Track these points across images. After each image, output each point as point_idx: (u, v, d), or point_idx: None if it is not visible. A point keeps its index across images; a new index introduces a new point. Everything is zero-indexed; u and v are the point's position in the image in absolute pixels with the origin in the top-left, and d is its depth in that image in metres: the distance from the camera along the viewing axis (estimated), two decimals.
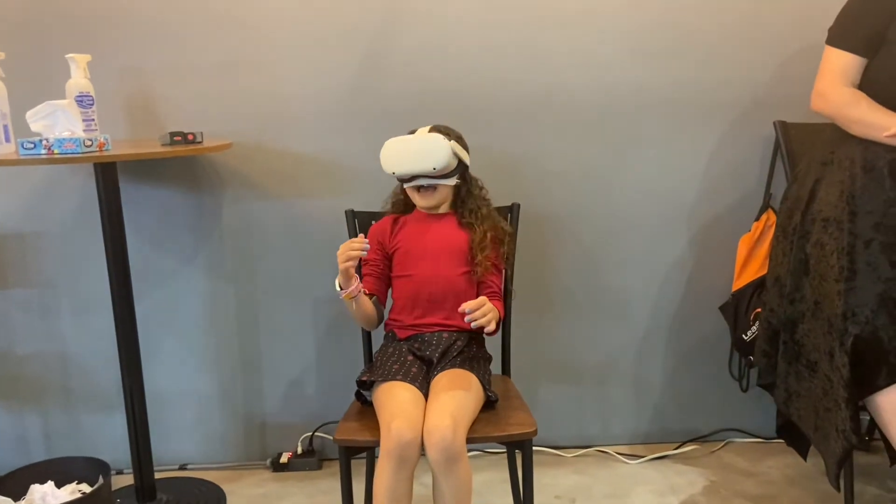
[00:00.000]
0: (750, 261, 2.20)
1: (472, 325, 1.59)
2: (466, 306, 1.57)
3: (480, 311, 1.59)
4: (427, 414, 1.57)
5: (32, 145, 1.69)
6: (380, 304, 1.84)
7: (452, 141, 1.77)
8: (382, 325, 1.90)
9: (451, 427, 1.50)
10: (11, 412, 2.32)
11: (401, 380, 1.66)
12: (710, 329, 2.36)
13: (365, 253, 1.62)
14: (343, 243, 1.64)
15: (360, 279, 1.77)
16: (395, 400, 1.60)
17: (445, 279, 1.78)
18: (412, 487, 1.56)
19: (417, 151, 1.75)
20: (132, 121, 2.18)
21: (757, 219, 2.21)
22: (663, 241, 2.31)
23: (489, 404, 1.71)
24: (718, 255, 2.31)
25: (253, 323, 2.31)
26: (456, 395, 1.60)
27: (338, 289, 1.68)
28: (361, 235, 1.66)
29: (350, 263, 1.62)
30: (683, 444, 2.40)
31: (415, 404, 1.59)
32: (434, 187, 1.80)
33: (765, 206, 2.22)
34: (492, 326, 1.62)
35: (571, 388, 2.40)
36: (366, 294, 1.77)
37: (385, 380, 1.67)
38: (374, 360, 1.82)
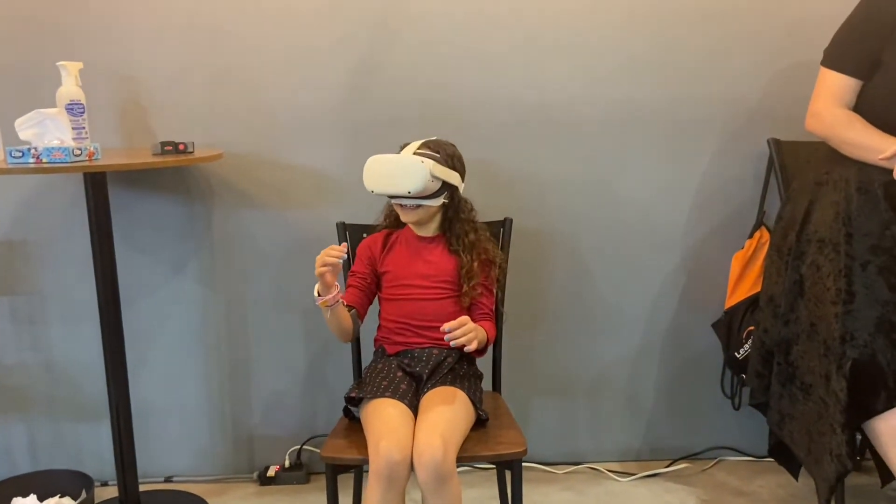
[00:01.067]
0: (743, 278, 2.19)
1: (451, 343, 1.58)
2: (447, 326, 1.56)
3: (461, 331, 1.57)
4: (417, 433, 1.54)
5: (21, 154, 1.67)
6: (358, 318, 1.80)
7: (433, 164, 1.71)
8: (372, 340, 1.88)
9: (442, 448, 1.48)
10: None
11: (389, 396, 1.64)
12: (702, 346, 2.34)
13: (340, 262, 1.59)
14: (323, 250, 1.61)
15: (344, 289, 1.75)
16: (384, 418, 1.58)
17: (435, 305, 1.77)
18: None
19: (394, 173, 1.70)
20: (124, 129, 2.16)
21: (750, 236, 2.20)
22: (656, 257, 2.30)
23: (480, 422, 1.69)
24: (711, 272, 2.30)
25: (242, 335, 2.28)
26: (446, 413, 1.58)
27: (315, 295, 1.66)
28: (344, 244, 1.63)
29: (325, 269, 1.58)
30: (675, 461, 2.39)
31: (403, 422, 1.57)
32: (417, 206, 1.77)
33: (758, 224, 2.21)
34: (472, 346, 1.61)
35: (563, 405, 2.38)
36: (344, 305, 1.74)
37: (374, 396, 1.65)
38: (363, 375, 1.80)
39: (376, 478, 1.50)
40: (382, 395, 1.64)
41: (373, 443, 1.53)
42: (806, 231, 1.78)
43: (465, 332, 1.58)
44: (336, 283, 1.65)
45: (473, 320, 1.68)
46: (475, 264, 1.78)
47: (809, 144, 2.09)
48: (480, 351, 1.76)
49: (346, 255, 1.60)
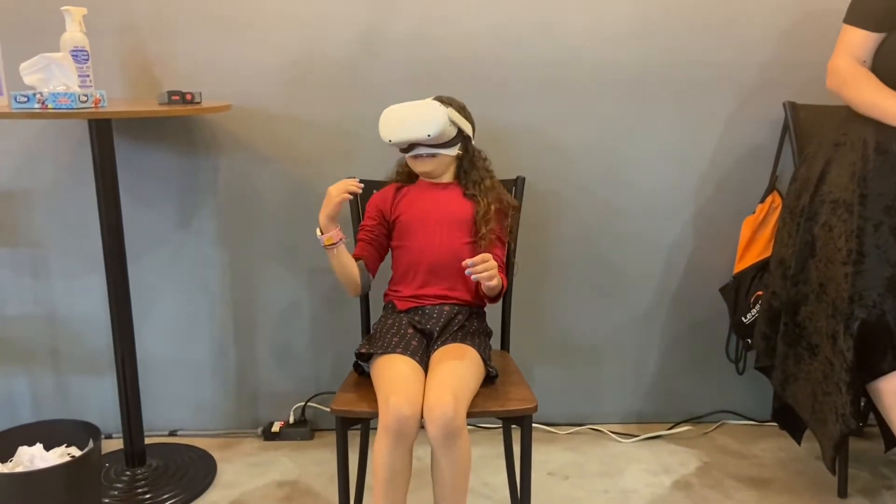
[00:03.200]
0: (753, 243, 2.18)
1: (473, 277, 1.57)
2: (469, 260, 1.56)
3: (482, 266, 1.57)
4: (427, 389, 1.54)
5: (26, 99, 1.64)
6: (367, 271, 1.79)
7: (450, 108, 1.73)
8: (382, 295, 1.87)
9: (452, 404, 1.48)
10: None
11: (400, 353, 1.63)
12: (708, 310, 2.34)
13: (352, 196, 1.65)
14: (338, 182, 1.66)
15: (355, 245, 1.75)
16: (394, 373, 1.57)
17: (448, 248, 1.75)
18: (411, 462, 1.55)
19: (413, 118, 1.71)
20: (128, 80, 2.12)
21: (762, 201, 2.19)
22: (665, 221, 2.29)
23: (489, 379, 1.69)
24: (720, 237, 2.29)
25: (248, 290, 2.27)
26: (457, 370, 1.57)
27: (318, 234, 1.67)
28: (356, 179, 1.66)
29: (345, 197, 1.63)
30: (677, 424, 2.40)
31: (414, 378, 1.57)
32: (433, 155, 1.76)
33: (770, 189, 2.19)
34: (493, 282, 1.61)
35: (566, 365, 2.38)
36: (349, 255, 1.74)
37: (384, 352, 1.64)
38: (372, 331, 1.79)
39: (385, 432, 1.49)
40: (394, 351, 1.64)
41: (383, 398, 1.52)
42: (820, 192, 1.77)
43: (486, 267, 1.57)
44: (338, 225, 1.67)
45: None
46: (492, 208, 1.76)
47: (826, 108, 2.07)
48: (493, 298, 1.75)
49: (361, 190, 1.66)
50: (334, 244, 1.68)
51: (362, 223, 1.85)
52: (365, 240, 1.82)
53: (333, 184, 1.67)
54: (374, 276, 1.83)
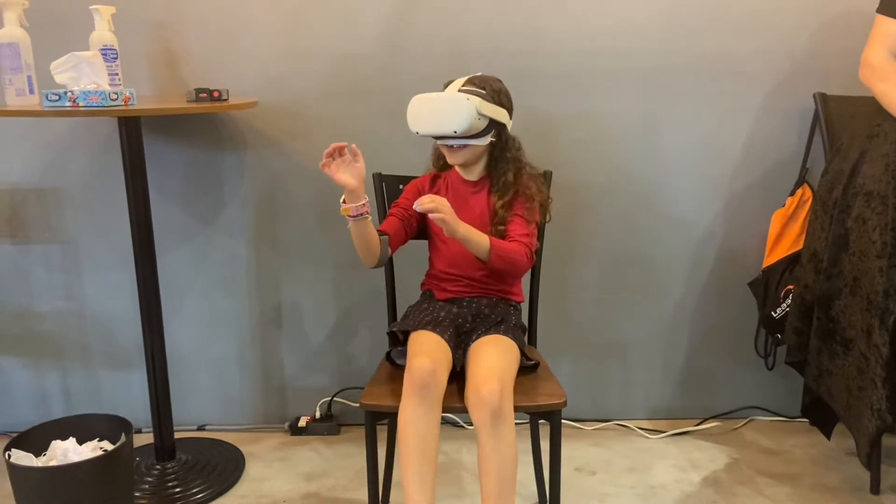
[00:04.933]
0: (783, 237, 2.15)
1: (416, 208, 1.49)
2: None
3: (428, 199, 1.49)
4: (471, 374, 1.54)
5: (57, 97, 1.65)
6: (388, 246, 1.71)
7: (479, 101, 1.64)
8: (408, 286, 1.87)
9: (499, 387, 1.47)
10: (31, 369, 2.31)
11: (430, 329, 1.64)
12: (736, 305, 2.32)
13: (338, 154, 1.54)
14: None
15: (385, 218, 1.75)
16: (420, 343, 1.58)
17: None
18: (438, 428, 1.51)
19: (439, 113, 1.64)
20: (155, 77, 2.14)
21: (792, 194, 2.16)
22: (693, 215, 2.26)
23: (526, 370, 1.68)
24: (749, 230, 2.26)
25: (274, 285, 2.28)
26: (501, 359, 1.57)
27: (340, 203, 1.58)
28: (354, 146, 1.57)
29: (328, 161, 1.53)
30: (705, 420, 2.38)
31: (439, 347, 1.57)
32: (462, 146, 1.72)
33: (800, 181, 2.16)
34: (453, 225, 1.52)
35: (593, 360, 2.37)
36: (375, 229, 1.66)
37: (415, 329, 1.65)
38: (406, 312, 1.79)
39: (411, 392, 1.48)
40: (423, 328, 1.64)
41: (408, 365, 1.52)
42: (853, 184, 1.74)
43: (432, 199, 1.49)
44: (364, 196, 1.57)
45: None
46: (511, 202, 1.72)
47: (857, 99, 2.03)
48: (509, 270, 1.66)
49: (344, 147, 1.55)
50: (352, 216, 1.57)
51: (397, 201, 1.81)
52: (396, 215, 1.77)
53: None
54: (393, 252, 1.76)
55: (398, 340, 1.73)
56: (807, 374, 1.89)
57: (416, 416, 1.48)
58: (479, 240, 1.59)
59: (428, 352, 1.54)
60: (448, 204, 1.53)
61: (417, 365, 1.49)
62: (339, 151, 1.56)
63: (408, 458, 1.49)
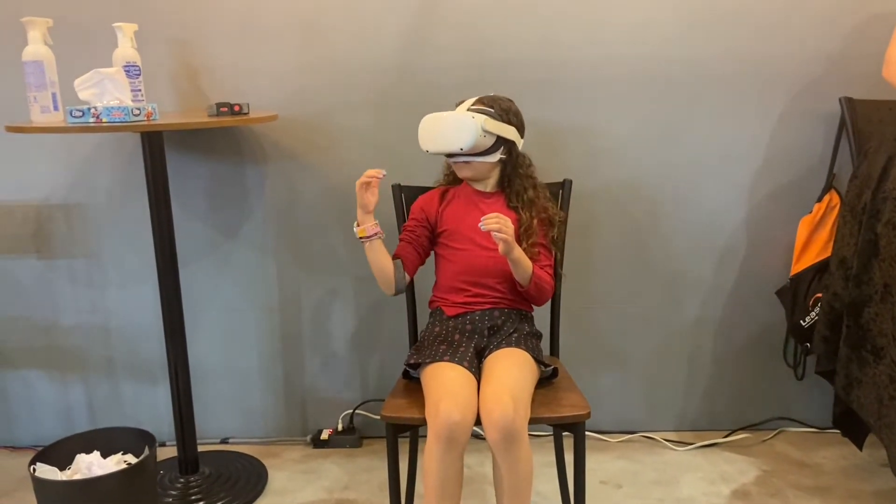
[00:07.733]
0: (810, 243, 2.11)
1: (483, 228, 1.56)
2: (484, 217, 1.57)
3: (495, 219, 1.56)
4: (484, 393, 1.52)
5: (81, 113, 1.67)
6: (403, 270, 1.77)
7: (484, 119, 1.68)
8: (427, 302, 1.86)
9: (512, 406, 1.45)
10: (56, 382, 2.33)
11: (448, 360, 1.61)
12: (764, 314, 2.27)
13: (376, 179, 1.66)
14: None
15: (398, 244, 1.77)
16: (443, 380, 1.55)
17: (493, 259, 1.72)
18: (462, 469, 1.52)
19: (445, 131, 1.70)
20: (177, 92, 2.16)
21: (819, 200, 2.12)
22: (718, 222, 2.23)
23: (545, 379, 1.67)
24: (776, 238, 2.22)
25: (295, 298, 2.29)
26: (513, 374, 1.55)
27: (355, 227, 1.70)
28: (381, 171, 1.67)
29: (360, 183, 1.64)
30: (734, 432, 2.33)
31: (463, 385, 1.54)
32: (469, 162, 1.75)
33: (828, 187, 2.12)
34: (515, 254, 1.62)
35: (617, 372, 2.34)
36: (384, 251, 1.75)
37: (433, 360, 1.63)
38: (420, 339, 1.78)
39: (436, 439, 1.47)
40: (441, 360, 1.62)
41: (432, 404, 1.50)
42: (883, 189, 1.70)
43: (499, 221, 1.56)
44: (374, 220, 1.69)
45: None
46: (534, 222, 1.74)
47: (884, 102, 2.00)
48: (536, 298, 1.74)
49: (382, 175, 1.67)
50: (367, 237, 1.69)
51: (405, 224, 1.84)
52: (405, 240, 1.81)
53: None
54: (411, 277, 1.81)
55: (414, 367, 1.71)
56: (836, 383, 1.84)
57: (443, 464, 1.48)
58: (526, 265, 1.68)
59: (454, 395, 1.50)
60: (511, 225, 1.60)
61: (444, 412, 1.46)
62: (377, 178, 1.67)
63: (431, 496, 1.51)
